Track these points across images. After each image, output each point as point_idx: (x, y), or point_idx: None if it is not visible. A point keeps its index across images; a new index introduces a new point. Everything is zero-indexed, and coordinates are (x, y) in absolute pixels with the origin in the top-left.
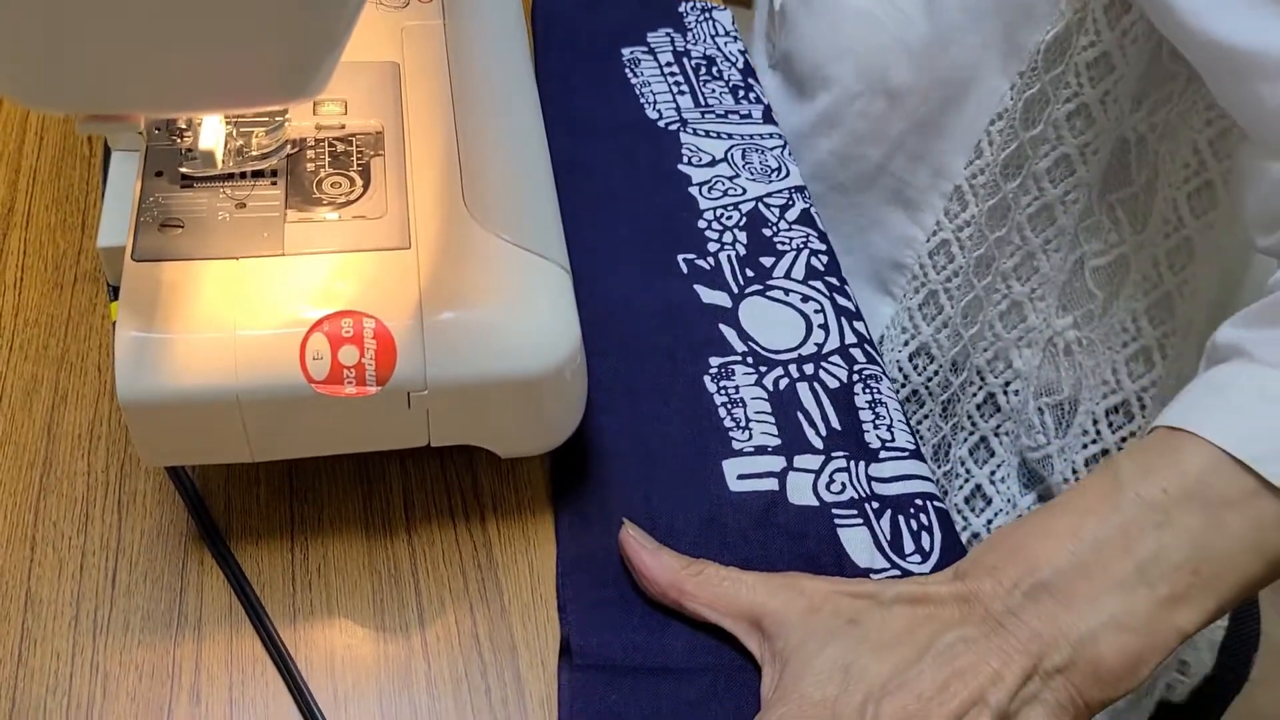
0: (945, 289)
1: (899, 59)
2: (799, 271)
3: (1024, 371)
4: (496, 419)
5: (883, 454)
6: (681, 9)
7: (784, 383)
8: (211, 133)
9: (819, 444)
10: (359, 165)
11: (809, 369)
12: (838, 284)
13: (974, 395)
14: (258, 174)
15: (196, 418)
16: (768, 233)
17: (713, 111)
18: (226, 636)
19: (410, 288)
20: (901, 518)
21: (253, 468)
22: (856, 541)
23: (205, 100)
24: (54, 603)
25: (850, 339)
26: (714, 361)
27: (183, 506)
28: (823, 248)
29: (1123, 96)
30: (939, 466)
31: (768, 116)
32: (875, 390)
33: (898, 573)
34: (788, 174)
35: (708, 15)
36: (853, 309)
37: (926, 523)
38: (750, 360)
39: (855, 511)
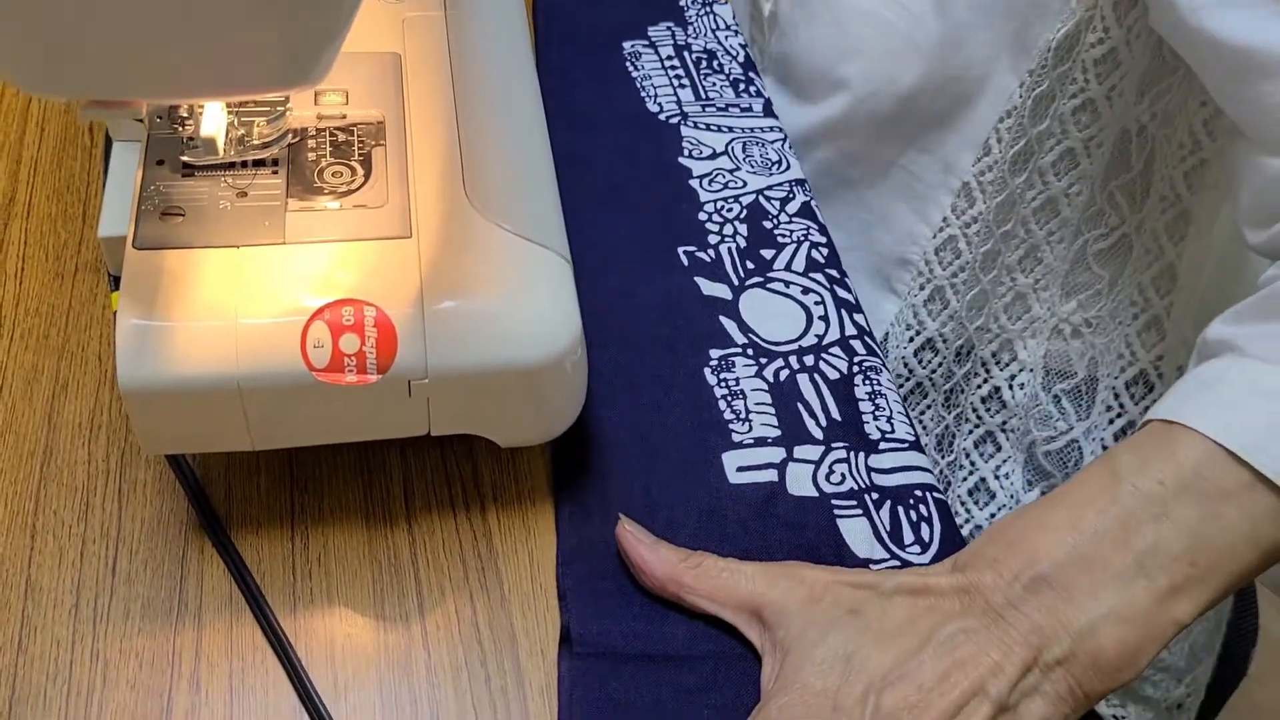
0: (951, 284)
1: (910, 60)
2: (799, 264)
3: (1029, 363)
4: (497, 408)
5: (882, 445)
6: (682, 3)
7: (784, 374)
8: (213, 120)
9: (819, 435)
10: (360, 155)
11: (809, 360)
12: (838, 276)
13: (979, 388)
14: (259, 163)
15: (197, 406)
16: (768, 225)
17: (713, 105)
18: (227, 625)
19: (411, 276)
20: (901, 508)
21: (253, 456)
22: (856, 532)
23: (206, 87)
24: (54, 590)
25: (850, 331)
26: (714, 353)
27: (183, 495)
28: (823, 240)
29: (1128, 90)
30: (942, 457)
31: (768, 110)
32: (875, 382)
33: (897, 563)
34: (788, 167)
35: (708, 9)
36: (853, 301)
37: (926, 514)
38: (750, 352)
39: (855, 502)
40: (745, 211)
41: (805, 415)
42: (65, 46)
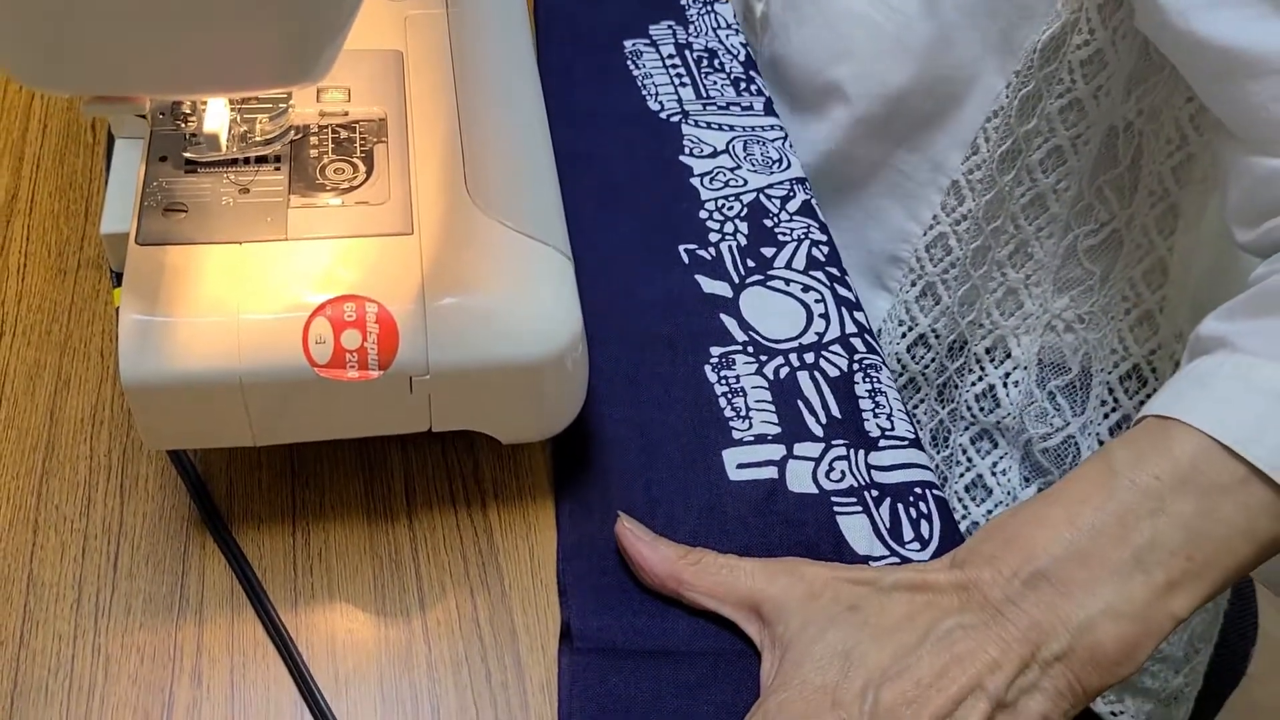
0: (942, 280)
1: (899, 61)
2: (800, 262)
3: (1023, 360)
4: (498, 404)
5: (882, 442)
6: (683, 1)
7: (784, 372)
8: (216, 116)
9: (819, 432)
10: (362, 151)
11: (809, 358)
12: (838, 274)
13: (973, 385)
14: (261, 159)
15: (199, 401)
16: (769, 223)
17: (714, 103)
18: (228, 620)
19: (413, 273)
20: (901, 506)
21: (255, 452)
22: (856, 529)
23: (209, 83)
24: (56, 585)
25: (850, 328)
26: (715, 351)
27: (185, 490)
28: (823, 238)
29: (1115, 89)
30: (938, 452)
31: (769, 108)
32: (875, 379)
33: (897, 560)
34: (789, 165)
35: (710, 8)
36: (853, 299)
37: (925, 511)
38: (751, 350)
39: (854, 499)
40: (746, 209)
41: (805, 413)
42: (68, 42)
